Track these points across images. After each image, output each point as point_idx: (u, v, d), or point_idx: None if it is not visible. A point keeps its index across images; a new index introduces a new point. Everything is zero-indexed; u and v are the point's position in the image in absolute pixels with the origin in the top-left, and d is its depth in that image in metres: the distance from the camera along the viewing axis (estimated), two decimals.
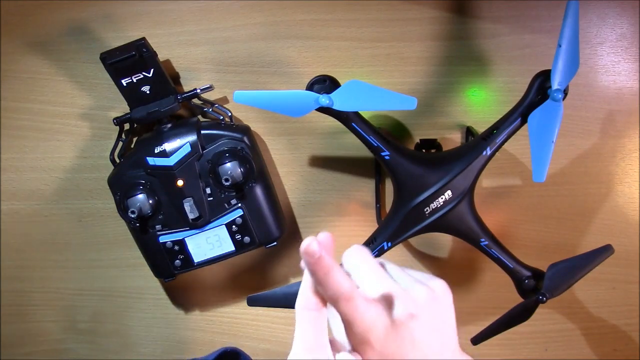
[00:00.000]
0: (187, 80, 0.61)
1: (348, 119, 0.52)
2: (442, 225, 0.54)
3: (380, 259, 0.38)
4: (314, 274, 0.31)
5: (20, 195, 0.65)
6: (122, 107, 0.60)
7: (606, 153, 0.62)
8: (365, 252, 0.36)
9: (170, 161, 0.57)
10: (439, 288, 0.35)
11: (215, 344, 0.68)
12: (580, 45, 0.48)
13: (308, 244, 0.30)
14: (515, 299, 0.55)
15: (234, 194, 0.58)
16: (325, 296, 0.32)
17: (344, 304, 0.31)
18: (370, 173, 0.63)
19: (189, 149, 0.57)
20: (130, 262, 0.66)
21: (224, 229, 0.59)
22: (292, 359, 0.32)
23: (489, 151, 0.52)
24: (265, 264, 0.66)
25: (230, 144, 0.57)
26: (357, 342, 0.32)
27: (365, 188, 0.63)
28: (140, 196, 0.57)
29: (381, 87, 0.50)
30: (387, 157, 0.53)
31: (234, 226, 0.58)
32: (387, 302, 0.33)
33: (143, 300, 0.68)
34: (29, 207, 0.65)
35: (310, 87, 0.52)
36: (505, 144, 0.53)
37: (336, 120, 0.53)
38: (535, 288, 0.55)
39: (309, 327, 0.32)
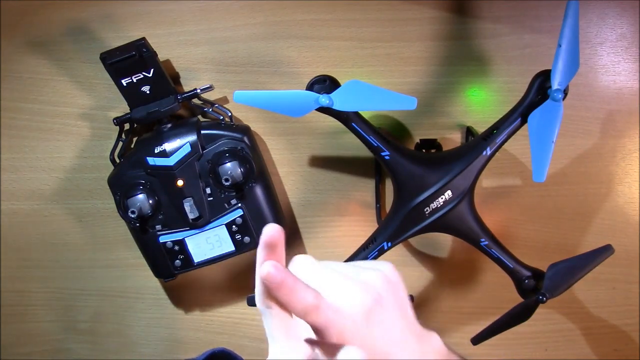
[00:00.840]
0: (187, 80, 0.61)
1: (348, 119, 0.52)
2: (442, 225, 0.54)
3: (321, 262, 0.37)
4: (278, 297, 0.30)
5: (20, 195, 0.65)
6: (122, 107, 0.60)
7: (606, 153, 0.62)
8: (309, 261, 0.35)
9: (170, 161, 0.57)
10: (389, 270, 0.36)
11: (215, 344, 0.68)
12: (580, 45, 0.48)
13: (267, 272, 0.29)
14: (515, 299, 0.55)
15: (234, 194, 0.58)
16: (294, 312, 0.31)
17: (314, 315, 0.31)
18: (370, 173, 0.63)
19: (189, 149, 0.57)
20: (130, 262, 0.66)
21: (224, 229, 0.59)
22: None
23: (489, 151, 0.52)
24: None
25: (230, 144, 0.57)
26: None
27: (365, 188, 0.63)
28: (140, 196, 0.57)
29: (381, 87, 0.50)
30: (387, 157, 0.53)
31: (234, 226, 0.58)
32: (351, 297, 0.33)
33: (143, 300, 0.68)
34: (29, 207, 0.65)
35: (310, 87, 0.52)
36: (505, 144, 0.53)
37: (336, 120, 0.53)
38: (535, 288, 0.55)
39: (277, 327, 0.32)
